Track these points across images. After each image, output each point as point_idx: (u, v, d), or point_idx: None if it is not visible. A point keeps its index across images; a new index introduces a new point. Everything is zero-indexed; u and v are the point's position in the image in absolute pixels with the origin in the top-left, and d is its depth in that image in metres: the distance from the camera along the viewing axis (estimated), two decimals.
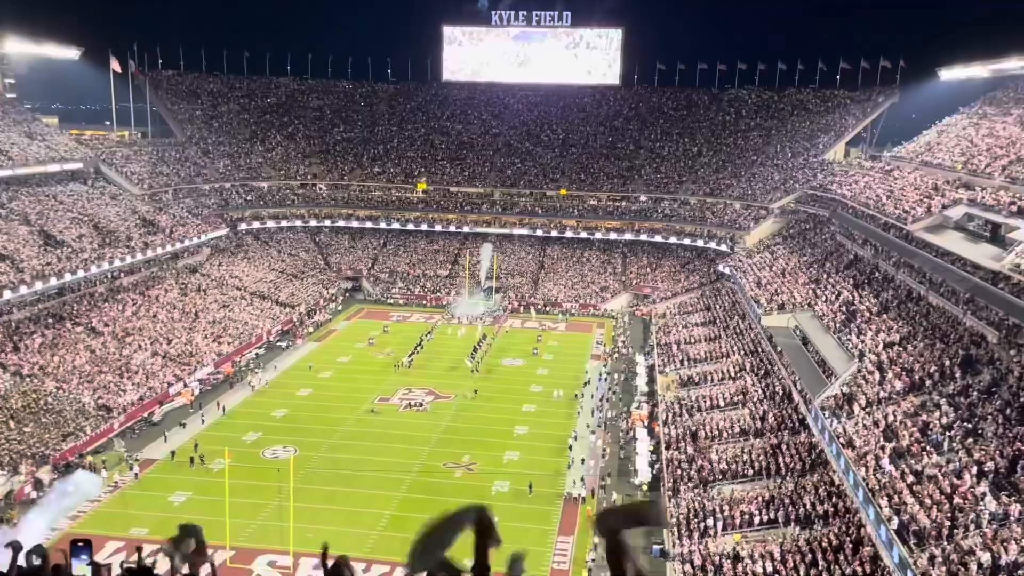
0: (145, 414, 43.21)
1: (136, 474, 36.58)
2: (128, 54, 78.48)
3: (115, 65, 74.07)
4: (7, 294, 45.22)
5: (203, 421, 43.09)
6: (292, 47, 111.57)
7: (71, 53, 71.16)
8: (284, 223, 78.46)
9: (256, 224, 76.47)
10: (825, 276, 48.00)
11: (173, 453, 38.53)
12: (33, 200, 56.16)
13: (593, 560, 29.99)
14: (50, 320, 48.45)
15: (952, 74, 64.74)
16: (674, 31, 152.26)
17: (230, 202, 76.17)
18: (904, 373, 30.57)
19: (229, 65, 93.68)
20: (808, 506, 29.15)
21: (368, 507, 33.77)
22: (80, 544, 3.99)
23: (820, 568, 25.23)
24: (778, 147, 77.85)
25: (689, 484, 33.75)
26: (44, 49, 68.26)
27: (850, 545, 25.63)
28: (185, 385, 47.04)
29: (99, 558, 4.18)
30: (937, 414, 26.67)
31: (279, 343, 58.25)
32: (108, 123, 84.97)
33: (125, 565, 4.46)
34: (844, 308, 40.68)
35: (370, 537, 30.91)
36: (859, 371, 32.76)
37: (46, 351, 45.29)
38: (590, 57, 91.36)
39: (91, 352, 46.91)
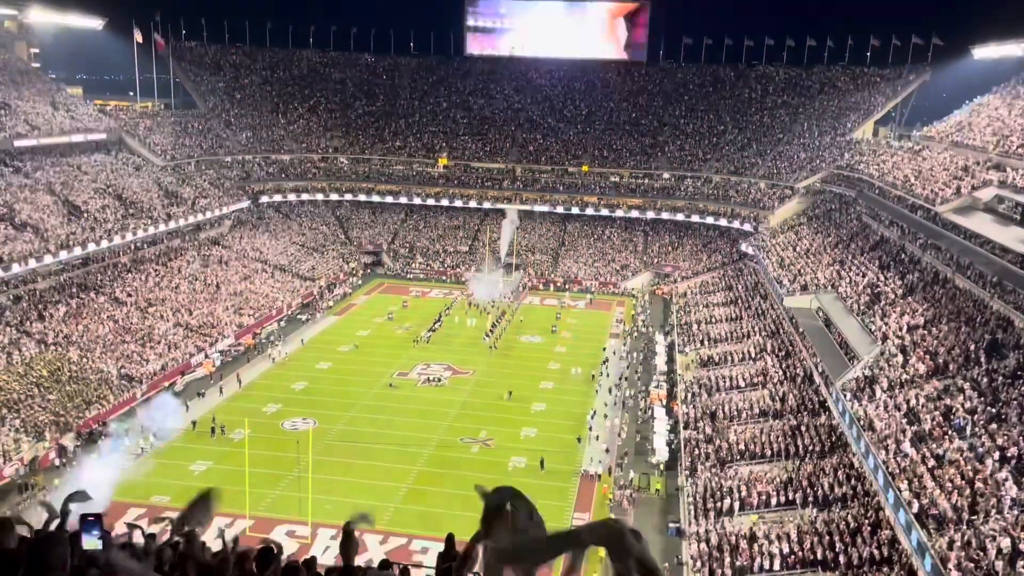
0: (167, 384, 43.74)
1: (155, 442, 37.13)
2: (151, 25, 78.51)
3: (138, 36, 74.17)
4: (32, 263, 45.82)
5: (221, 392, 43.57)
6: (315, 19, 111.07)
7: (95, 23, 71.33)
8: (305, 196, 78.66)
9: (277, 197, 76.76)
10: (850, 257, 47.31)
11: (194, 423, 39.02)
12: (57, 170, 56.63)
13: None
14: (74, 289, 49.01)
15: (986, 52, 63.11)
16: (701, 6, 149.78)
17: (252, 174, 76.42)
18: (928, 356, 30.12)
19: (252, 37, 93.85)
20: (826, 488, 28.97)
21: (385, 480, 34.06)
22: (91, 519, 3.80)
23: (837, 550, 25.10)
24: (805, 125, 76.57)
25: (707, 464, 33.66)
26: (68, 19, 68.45)
27: (868, 528, 25.48)
28: (206, 356, 47.51)
29: (122, 523, 4.03)
30: (960, 398, 26.28)
31: (299, 316, 58.64)
32: (132, 94, 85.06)
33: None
34: (868, 290, 40.14)
35: (387, 509, 31.16)
36: (882, 354, 32.34)
37: (70, 320, 45.87)
38: (615, 32, 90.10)
39: (114, 322, 47.44)
